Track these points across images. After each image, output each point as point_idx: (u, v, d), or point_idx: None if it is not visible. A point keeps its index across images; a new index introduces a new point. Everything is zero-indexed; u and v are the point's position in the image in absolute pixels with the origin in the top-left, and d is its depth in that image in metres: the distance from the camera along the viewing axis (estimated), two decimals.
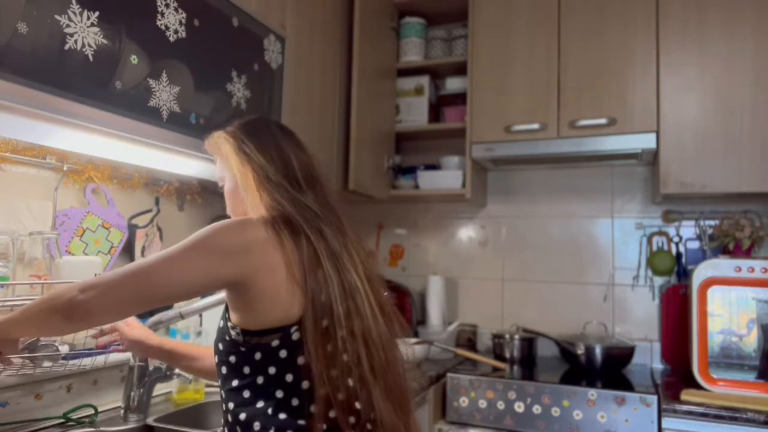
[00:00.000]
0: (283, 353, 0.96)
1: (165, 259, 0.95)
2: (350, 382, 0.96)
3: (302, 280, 0.96)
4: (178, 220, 1.89)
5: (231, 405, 0.99)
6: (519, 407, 1.90)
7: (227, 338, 1.01)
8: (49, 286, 1.35)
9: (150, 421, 1.42)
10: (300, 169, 1.10)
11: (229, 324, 1.00)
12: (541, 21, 2.22)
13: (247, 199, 1.08)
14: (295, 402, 0.96)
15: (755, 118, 1.93)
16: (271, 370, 0.97)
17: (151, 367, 1.42)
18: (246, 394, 0.98)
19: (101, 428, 1.35)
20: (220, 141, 1.17)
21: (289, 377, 0.96)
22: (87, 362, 1.39)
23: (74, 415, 1.38)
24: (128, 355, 1.43)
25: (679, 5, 2.04)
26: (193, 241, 0.97)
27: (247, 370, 0.98)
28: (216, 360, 1.04)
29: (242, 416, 0.97)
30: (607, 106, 2.10)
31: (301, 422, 0.95)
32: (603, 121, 2.09)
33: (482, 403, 1.94)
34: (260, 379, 0.97)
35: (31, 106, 1.03)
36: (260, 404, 0.96)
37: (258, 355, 0.97)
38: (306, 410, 0.95)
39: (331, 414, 0.95)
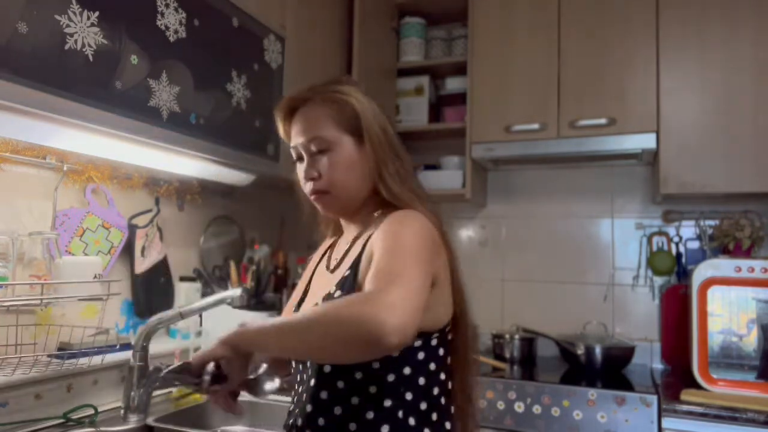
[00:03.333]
0: (421, 356, 0.92)
1: (417, 263, 0.85)
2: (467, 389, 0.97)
3: (455, 282, 0.94)
4: (178, 220, 1.89)
5: (356, 399, 0.90)
6: (519, 407, 1.90)
7: None
8: (49, 286, 1.35)
9: (150, 421, 1.41)
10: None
11: None
12: (541, 21, 2.22)
13: (390, 182, 1.00)
14: (423, 406, 0.92)
15: (755, 117, 1.93)
16: (406, 371, 0.92)
17: (151, 367, 1.42)
18: (372, 389, 0.91)
19: (101, 428, 1.35)
20: (359, 98, 1.03)
21: (421, 380, 0.92)
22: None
23: (74, 415, 1.38)
24: (128, 354, 1.42)
25: (679, 5, 2.03)
26: (421, 235, 0.89)
27: (377, 365, 0.90)
28: None
29: (369, 415, 0.90)
30: (607, 106, 2.10)
31: (427, 431, 0.92)
32: (603, 121, 2.08)
33: (482, 403, 1.94)
34: (391, 377, 0.91)
35: (32, 106, 1.03)
36: (388, 403, 0.90)
37: (395, 352, 0.89)
38: (429, 418, 0.92)
39: (448, 426, 0.94)
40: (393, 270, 0.81)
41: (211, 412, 1.60)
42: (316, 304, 1.00)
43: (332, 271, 1.05)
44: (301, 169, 1.06)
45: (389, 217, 0.95)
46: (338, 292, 0.94)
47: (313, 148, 1.01)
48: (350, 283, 0.94)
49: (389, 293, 0.76)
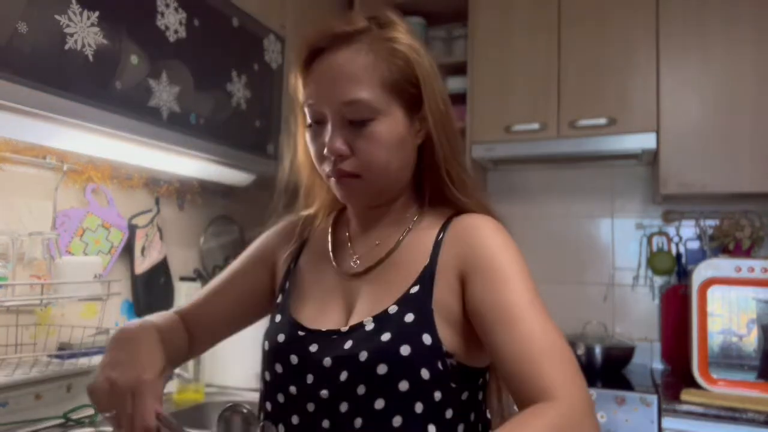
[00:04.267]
0: (480, 395, 0.81)
1: (544, 311, 0.72)
2: None
3: None
4: (178, 220, 1.89)
5: None
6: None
7: (439, 366, 0.72)
8: (49, 286, 1.35)
9: None
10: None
11: (444, 348, 0.73)
12: (541, 21, 2.21)
13: (461, 174, 0.79)
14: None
15: (755, 117, 1.92)
16: (473, 417, 0.79)
17: None
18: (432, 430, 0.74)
19: (101, 428, 1.35)
20: (420, 51, 0.76)
21: (472, 416, 0.79)
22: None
23: (74, 415, 1.38)
24: None
25: (679, 5, 2.03)
26: (523, 258, 0.78)
27: (449, 413, 0.74)
28: (397, 388, 0.72)
29: None
30: (607, 106, 2.10)
31: None
32: (603, 121, 2.08)
33: None
34: (449, 414, 0.75)
35: (31, 106, 1.03)
36: None
37: (465, 395, 0.77)
38: None
39: None
40: (551, 354, 0.67)
41: (210, 412, 1.60)
42: (362, 323, 0.76)
43: (358, 275, 0.81)
44: (315, 136, 0.77)
45: (480, 234, 0.79)
46: (409, 315, 0.74)
47: (348, 115, 0.73)
48: (425, 306, 0.74)
49: (578, 401, 0.65)
